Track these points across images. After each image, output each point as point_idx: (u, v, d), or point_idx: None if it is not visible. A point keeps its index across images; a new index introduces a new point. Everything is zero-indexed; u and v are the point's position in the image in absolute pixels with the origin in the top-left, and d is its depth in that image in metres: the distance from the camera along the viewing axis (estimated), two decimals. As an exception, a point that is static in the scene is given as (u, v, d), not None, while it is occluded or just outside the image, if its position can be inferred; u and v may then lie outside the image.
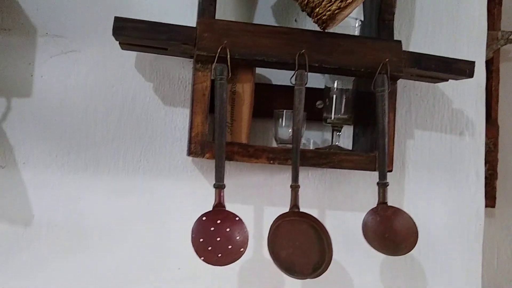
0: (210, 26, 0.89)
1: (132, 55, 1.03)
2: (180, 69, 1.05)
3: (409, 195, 1.11)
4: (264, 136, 1.07)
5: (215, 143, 0.87)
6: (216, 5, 0.92)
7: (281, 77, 1.03)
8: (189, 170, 1.05)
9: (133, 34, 0.87)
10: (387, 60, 0.92)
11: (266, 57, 0.90)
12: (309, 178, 1.07)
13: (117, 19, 0.86)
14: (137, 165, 1.03)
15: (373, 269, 1.08)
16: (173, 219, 1.04)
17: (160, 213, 1.03)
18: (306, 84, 0.89)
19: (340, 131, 1.01)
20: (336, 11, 0.85)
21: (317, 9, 0.88)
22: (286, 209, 0.90)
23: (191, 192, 1.04)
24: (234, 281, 1.03)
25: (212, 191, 1.00)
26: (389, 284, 1.10)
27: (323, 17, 0.89)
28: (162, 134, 1.04)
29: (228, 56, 0.87)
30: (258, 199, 1.04)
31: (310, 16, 0.92)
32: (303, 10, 0.93)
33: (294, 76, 0.89)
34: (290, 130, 0.97)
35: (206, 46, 0.88)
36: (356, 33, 1.01)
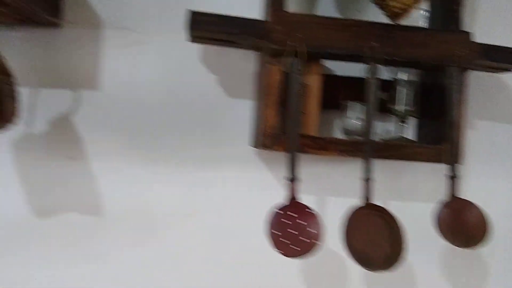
0: (282, 19, 0.89)
1: (197, 47, 1.03)
2: (244, 61, 1.06)
3: (472, 187, 1.10)
4: (326, 127, 1.07)
5: (289, 136, 0.88)
6: (285, -2, 0.92)
7: (340, 67, 1.03)
8: (252, 161, 1.06)
9: (207, 27, 0.88)
10: (458, 52, 0.91)
11: (337, 50, 0.90)
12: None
13: (192, 13, 0.87)
14: (202, 156, 1.05)
15: (436, 261, 1.09)
16: (237, 208, 1.05)
17: (225, 203, 1.05)
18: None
19: (406, 123, 1.01)
20: (412, 4, 0.85)
21: (391, 2, 0.88)
22: (351, 200, 0.91)
23: (255, 182, 1.05)
24: (302, 271, 1.05)
25: (276, 181, 1.02)
26: (452, 276, 1.10)
27: (395, 10, 0.88)
28: (226, 125, 1.05)
29: (303, 50, 0.87)
30: (322, 190, 1.05)
31: (381, 8, 0.92)
32: (373, 2, 0.92)
33: (367, 69, 0.89)
34: (357, 122, 0.97)
35: (278, 40, 0.89)
36: (422, 24, 1.00)
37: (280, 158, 1.01)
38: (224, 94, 1.05)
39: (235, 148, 1.05)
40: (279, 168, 1.04)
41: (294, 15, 0.91)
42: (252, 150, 1.04)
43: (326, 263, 1.05)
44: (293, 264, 1.04)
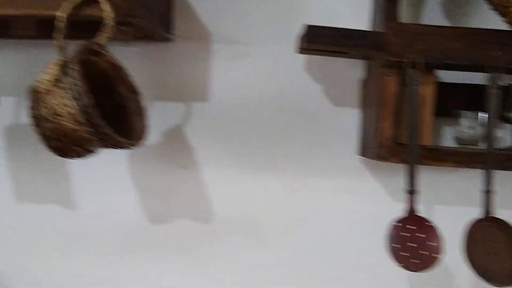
0: (399, 30, 0.89)
1: (302, 57, 1.04)
2: (349, 70, 1.06)
3: None
4: (436, 135, 1.05)
5: (408, 147, 0.87)
6: (398, 7, 0.91)
7: (448, 74, 1.00)
8: (358, 169, 1.06)
9: (324, 40, 0.88)
10: None
11: (455, 60, 0.88)
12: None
13: (309, 27, 0.88)
14: (308, 164, 1.06)
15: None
16: (343, 217, 1.06)
17: (330, 211, 1.06)
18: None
19: (522, 132, 0.97)
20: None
21: (515, 9, 0.85)
22: (467, 212, 0.89)
23: (360, 191, 1.06)
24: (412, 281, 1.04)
25: (382, 191, 1.02)
26: None
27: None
28: (331, 133, 1.06)
29: (421, 62, 0.86)
30: (436, 201, 1.03)
31: (502, 15, 0.89)
32: (493, 10, 0.90)
33: (488, 79, 0.87)
34: (471, 131, 0.95)
35: (396, 52, 0.88)
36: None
37: (388, 167, 1.01)
38: (329, 103, 1.06)
39: (341, 157, 1.05)
40: (387, 178, 1.04)
41: (410, 26, 0.90)
42: (358, 158, 1.05)
43: (443, 276, 1.03)
44: (402, 276, 1.03)
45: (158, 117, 1.04)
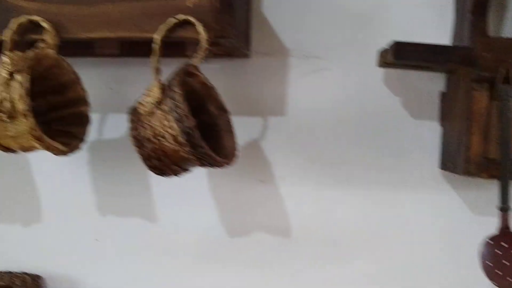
0: (489, 45, 0.88)
1: (380, 70, 1.04)
2: (427, 82, 1.05)
3: None
4: None
5: (500, 163, 0.86)
6: (487, 21, 0.90)
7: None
8: (438, 183, 1.05)
9: (412, 56, 0.88)
10: None
11: (549, 74, 0.87)
12: None
13: (397, 44, 0.88)
14: (387, 178, 1.05)
15: None
16: (423, 232, 1.05)
17: (411, 226, 1.05)
18: None
19: None
20: None
21: None
22: None
23: (442, 206, 1.04)
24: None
25: (466, 205, 1.00)
26: None
27: None
28: (411, 147, 1.05)
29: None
30: None
31: None
32: None
33: None
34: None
35: (487, 66, 0.87)
36: None
37: (471, 182, 0.99)
38: (408, 115, 1.05)
39: (421, 171, 1.04)
40: (470, 193, 1.02)
41: (500, 40, 0.89)
42: (439, 172, 1.04)
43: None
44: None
45: (236, 132, 1.05)
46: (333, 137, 1.06)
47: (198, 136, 0.74)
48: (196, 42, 0.80)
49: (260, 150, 1.07)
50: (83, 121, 0.89)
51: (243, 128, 1.06)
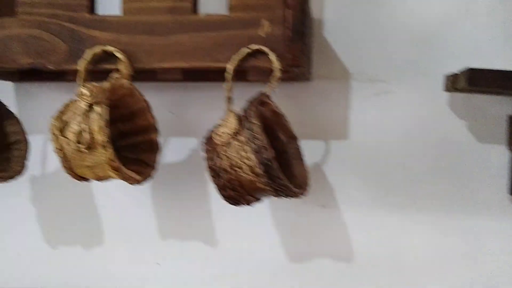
0: None
1: (445, 94, 1.02)
2: (495, 106, 1.02)
3: None
4: None
5: None
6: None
7: None
8: (507, 209, 1.02)
9: (486, 83, 0.86)
10: None
11: None
12: None
13: (471, 70, 0.86)
14: (453, 204, 1.03)
15: None
16: (492, 260, 1.02)
17: (479, 253, 1.03)
18: None
19: None
20: None
21: None
22: None
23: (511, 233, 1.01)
24: None
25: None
26: None
27: None
28: (478, 172, 1.03)
29: None
30: None
31: None
32: None
33: None
34: None
35: None
36: None
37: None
38: (474, 139, 1.03)
39: (489, 196, 1.02)
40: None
41: None
42: (508, 198, 1.01)
43: None
44: None
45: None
46: (397, 161, 1.04)
47: (277, 168, 0.73)
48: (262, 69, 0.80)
49: (321, 175, 1.06)
50: (154, 148, 0.89)
51: (304, 152, 1.05)
